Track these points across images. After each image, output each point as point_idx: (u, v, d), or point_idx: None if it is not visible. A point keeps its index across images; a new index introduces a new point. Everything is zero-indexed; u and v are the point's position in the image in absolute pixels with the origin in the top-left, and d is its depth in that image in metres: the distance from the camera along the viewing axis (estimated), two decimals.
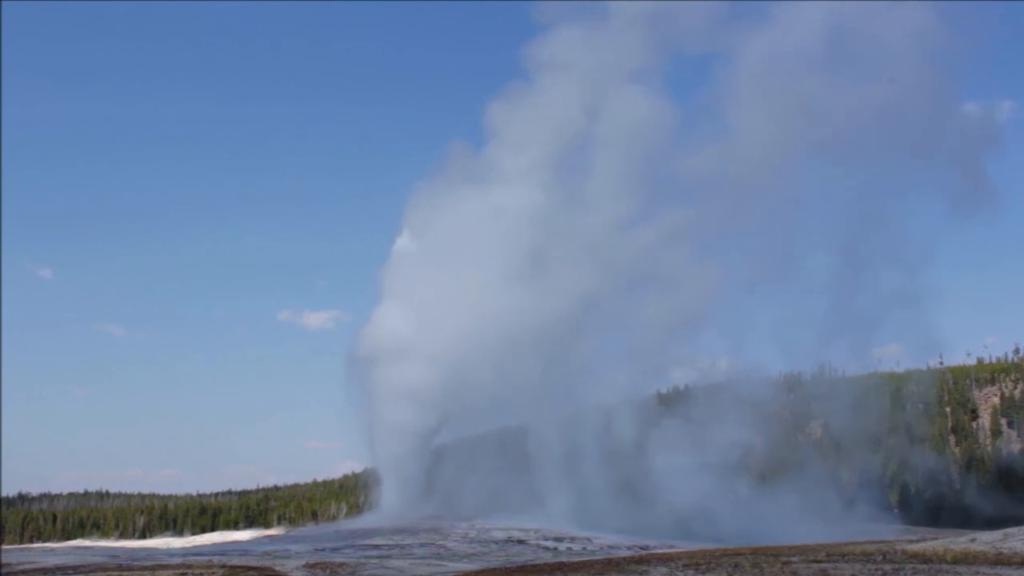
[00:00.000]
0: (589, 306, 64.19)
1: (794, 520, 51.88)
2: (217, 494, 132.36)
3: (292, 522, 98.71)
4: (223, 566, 28.28)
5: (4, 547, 59.93)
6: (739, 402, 62.05)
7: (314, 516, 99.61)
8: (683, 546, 38.00)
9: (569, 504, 53.22)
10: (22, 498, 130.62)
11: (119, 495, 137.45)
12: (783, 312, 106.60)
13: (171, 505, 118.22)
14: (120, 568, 29.14)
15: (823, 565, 24.54)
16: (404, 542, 38.58)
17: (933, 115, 71.28)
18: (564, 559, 31.34)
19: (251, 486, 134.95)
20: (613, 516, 51.82)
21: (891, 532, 49.53)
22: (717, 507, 54.23)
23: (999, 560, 24.66)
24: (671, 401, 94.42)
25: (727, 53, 73.30)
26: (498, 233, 60.57)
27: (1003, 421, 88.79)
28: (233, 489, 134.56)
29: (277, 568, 27.98)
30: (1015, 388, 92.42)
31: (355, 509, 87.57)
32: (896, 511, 63.20)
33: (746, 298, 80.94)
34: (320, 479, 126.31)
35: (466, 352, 56.92)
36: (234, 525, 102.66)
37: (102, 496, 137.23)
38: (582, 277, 61.55)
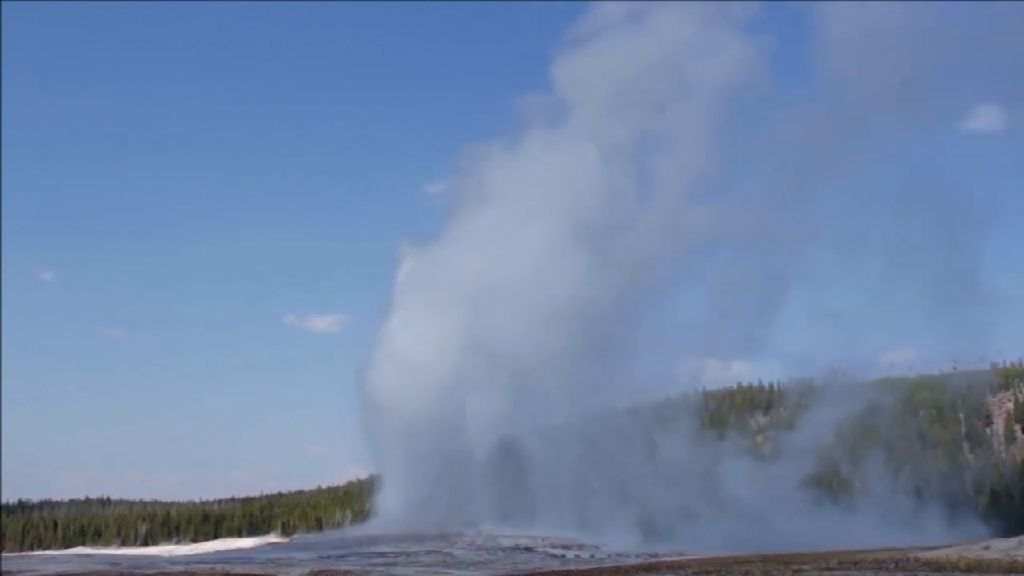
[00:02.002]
0: (650, 284, 61.03)
1: (887, 532, 48.68)
2: (220, 501, 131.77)
3: (296, 529, 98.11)
4: (226, 574, 27.96)
5: (4, 555, 59.52)
6: (828, 401, 59.67)
7: (318, 523, 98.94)
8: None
9: (625, 515, 49.73)
10: (22, 505, 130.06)
11: (120, 502, 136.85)
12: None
13: (173, 512, 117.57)
14: None
15: (834, 573, 24.20)
16: (410, 549, 38.24)
17: None
18: (572, 567, 31.05)
19: (254, 492, 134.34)
20: (677, 529, 49.23)
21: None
22: (800, 520, 51.35)
23: (1013, 568, 24.34)
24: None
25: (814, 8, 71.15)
26: (550, 197, 56.85)
27: (1017, 427, 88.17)
28: (236, 496, 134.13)
29: None
30: None
31: (360, 516, 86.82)
32: (987, 519, 60.27)
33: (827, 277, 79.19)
34: (324, 485, 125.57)
35: (503, 339, 52.90)
36: (237, 533, 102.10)
37: (103, 503, 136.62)
38: (648, 249, 58.27)
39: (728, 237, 65.55)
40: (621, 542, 43.21)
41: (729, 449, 59.11)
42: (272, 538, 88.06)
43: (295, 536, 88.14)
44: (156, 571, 30.94)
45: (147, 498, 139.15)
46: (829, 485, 63.75)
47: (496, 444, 54.28)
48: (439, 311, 55.89)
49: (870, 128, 69.31)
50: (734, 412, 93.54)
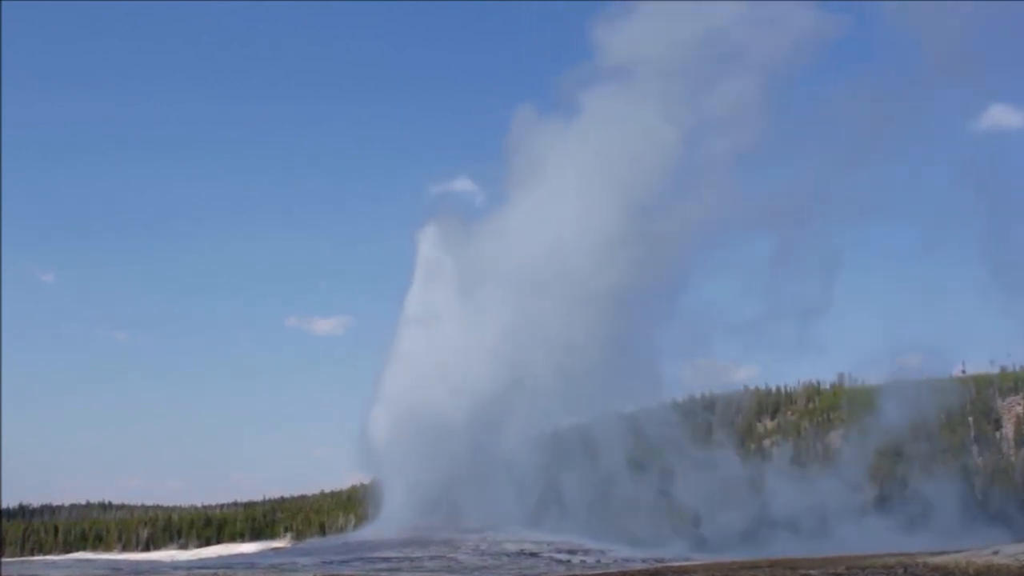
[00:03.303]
0: (689, 270, 59.85)
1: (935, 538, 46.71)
2: (222, 506, 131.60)
3: (299, 534, 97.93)
4: None
5: (5, 560, 59.41)
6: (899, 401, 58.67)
7: (322, 528, 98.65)
8: None
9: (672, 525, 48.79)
10: (23, 510, 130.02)
11: (122, 507, 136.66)
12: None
13: (175, 517, 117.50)
14: None
15: None
16: (414, 555, 37.96)
17: None
18: (577, 572, 30.82)
19: (256, 496, 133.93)
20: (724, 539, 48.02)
21: None
22: (847, 529, 50.55)
23: (1022, 573, 24.08)
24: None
25: None
26: (586, 180, 54.26)
27: None
28: (239, 500, 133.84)
29: None
30: None
31: (363, 521, 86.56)
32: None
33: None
34: (328, 490, 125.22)
35: (539, 334, 50.70)
36: (240, 537, 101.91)
37: (105, 507, 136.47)
38: (692, 231, 56.72)
39: (776, 218, 64.38)
40: (672, 551, 42.29)
41: (768, 456, 58.23)
42: (279, 543, 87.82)
43: (290, 539, 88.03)
44: None
45: (149, 502, 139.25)
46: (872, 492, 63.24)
47: (528, 446, 52.27)
48: (466, 303, 53.98)
49: (926, 109, 68.57)
50: (740, 415, 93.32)
